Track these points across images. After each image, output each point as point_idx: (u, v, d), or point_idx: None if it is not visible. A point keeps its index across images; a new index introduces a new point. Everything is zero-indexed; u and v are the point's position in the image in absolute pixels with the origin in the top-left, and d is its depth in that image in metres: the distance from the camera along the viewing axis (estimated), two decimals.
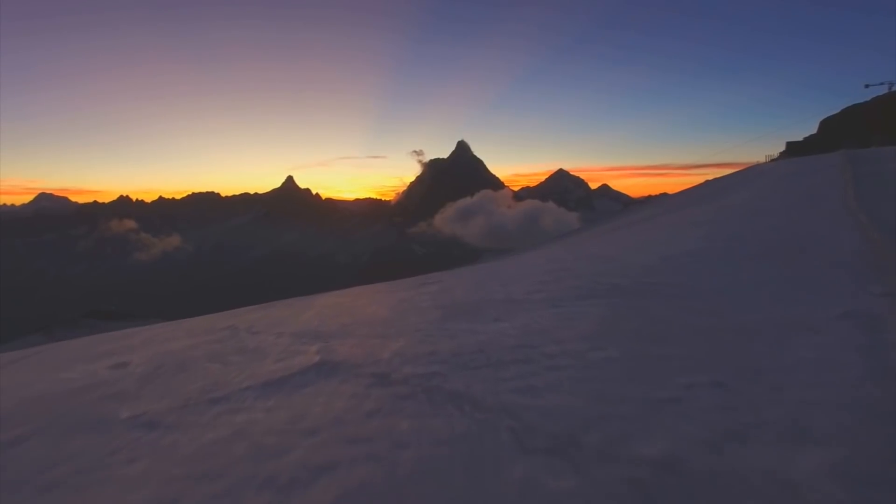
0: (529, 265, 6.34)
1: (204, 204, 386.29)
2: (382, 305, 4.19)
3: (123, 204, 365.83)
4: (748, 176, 19.76)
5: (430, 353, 2.60)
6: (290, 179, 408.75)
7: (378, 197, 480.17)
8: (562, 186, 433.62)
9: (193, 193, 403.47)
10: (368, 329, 3.30)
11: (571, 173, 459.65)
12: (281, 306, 4.98)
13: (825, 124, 47.94)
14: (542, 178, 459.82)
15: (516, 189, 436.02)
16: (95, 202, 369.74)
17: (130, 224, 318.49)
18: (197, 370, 2.73)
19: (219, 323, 4.28)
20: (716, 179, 30.31)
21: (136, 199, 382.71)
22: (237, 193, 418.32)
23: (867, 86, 47.63)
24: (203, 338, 3.60)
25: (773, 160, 47.64)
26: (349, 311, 4.07)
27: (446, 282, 5.38)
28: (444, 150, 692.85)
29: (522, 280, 4.83)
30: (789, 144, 48.47)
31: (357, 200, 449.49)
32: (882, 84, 46.01)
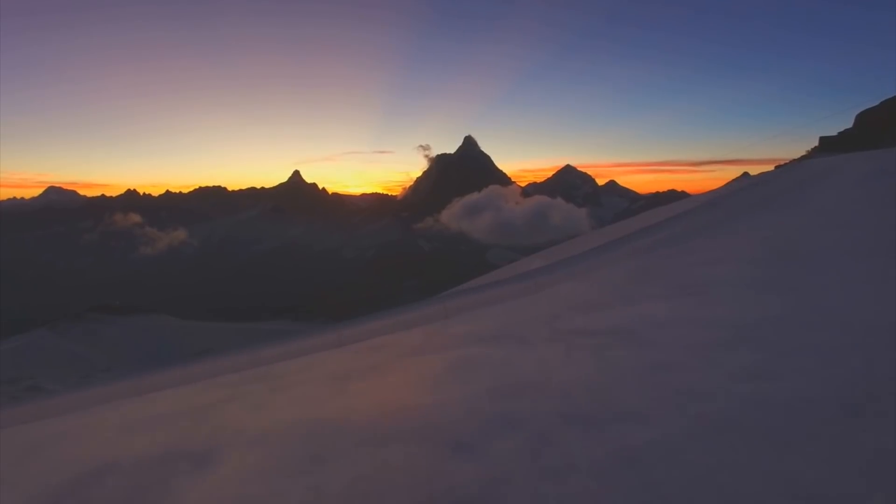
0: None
1: (210, 198, 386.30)
2: None
3: (130, 198, 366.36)
4: (810, 174, 17.19)
5: None
6: (296, 174, 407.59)
7: (385, 192, 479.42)
8: (569, 182, 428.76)
9: (200, 187, 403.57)
10: None
11: (578, 169, 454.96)
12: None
13: (861, 118, 45.00)
14: (549, 174, 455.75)
15: (523, 185, 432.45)
16: (103, 196, 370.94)
17: (136, 218, 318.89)
18: None
19: None
20: (757, 178, 27.58)
21: (144, 193, 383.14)
22: (244, 188, 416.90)
23: None
24: None
25: (804, 156, 44.93)
26: None
27: None
28: (451, 146, 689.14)
29: None
30: (822, 140, 45.81)
31: (363, 195, 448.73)
32: None
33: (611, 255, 10.85)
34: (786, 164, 48.92)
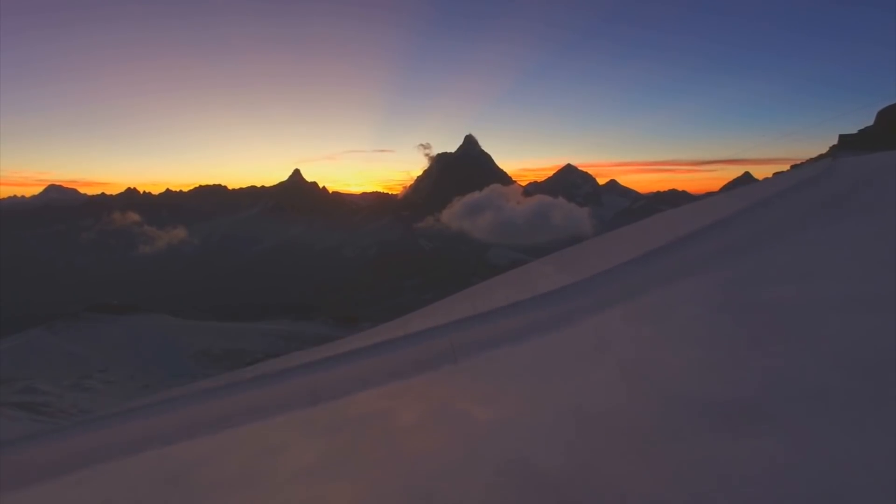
0: None
1: (211, 196, 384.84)
2: None
3: (131, 196, 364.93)
4: (867, 173, 15.26)
5: None
6: (296, 172, 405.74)
7: (385, 191, 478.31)
8: (570, 181, 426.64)
9: (200, 186, 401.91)
10: None
11: (579, 168, 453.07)
12: None
13: (884, 114, 43.18)
14: (550, 173, 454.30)
15: (524, 184, 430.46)
16: (103, 194, 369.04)
17: (135, 217, 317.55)
18: None
19: None
20: (780, 176, 25.97)
21: (144, 192, 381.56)
22: (244, 186, 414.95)
23: None
24: None
25: (822, 156, 43.09)
26: None
27: None
28: (451, 145, 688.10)
29: None
30: (842, 138, 44.03)
31: (364, 194, 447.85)
32: None
33: (653, 268, 9.10)
34: (802, 163, 46.99)
